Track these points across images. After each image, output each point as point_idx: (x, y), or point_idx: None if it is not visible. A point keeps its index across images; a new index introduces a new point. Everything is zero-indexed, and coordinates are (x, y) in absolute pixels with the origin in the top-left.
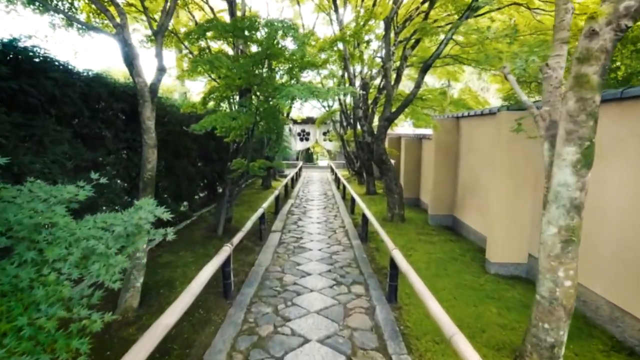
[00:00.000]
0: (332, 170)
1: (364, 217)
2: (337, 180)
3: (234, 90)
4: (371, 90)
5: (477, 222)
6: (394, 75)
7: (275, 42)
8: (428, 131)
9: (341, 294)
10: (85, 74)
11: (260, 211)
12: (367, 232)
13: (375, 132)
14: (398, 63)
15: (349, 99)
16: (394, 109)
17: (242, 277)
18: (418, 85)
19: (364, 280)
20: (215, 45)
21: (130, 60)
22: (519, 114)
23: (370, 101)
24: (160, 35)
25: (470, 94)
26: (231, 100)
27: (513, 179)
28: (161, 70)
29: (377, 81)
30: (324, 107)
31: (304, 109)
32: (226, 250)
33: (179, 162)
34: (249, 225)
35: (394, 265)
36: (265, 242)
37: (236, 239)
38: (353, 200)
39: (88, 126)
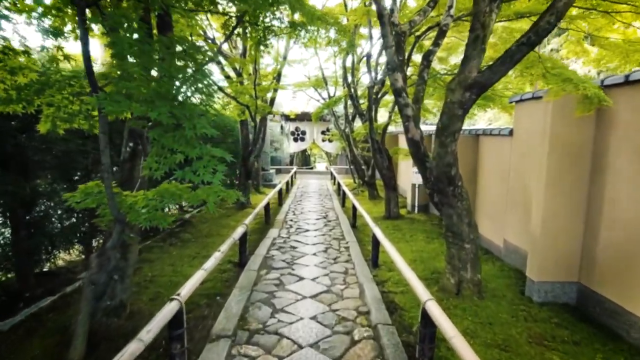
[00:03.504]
0: (333, 177)
1: (425, 317)
2: (339, 191)
3: None
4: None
5: None
6: None
7: None
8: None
9: None
10: None
11: (169, 310)
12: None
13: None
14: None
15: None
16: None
17: None
18: None
19: None
20: None
21: None
22: None
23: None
24: None
25: (552, 63)
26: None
27: None
28: None
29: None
30: (323, 98)
31: (298, 101)
32: None
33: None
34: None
35: None
36: None
37: None
38: (375, 241)
39: None
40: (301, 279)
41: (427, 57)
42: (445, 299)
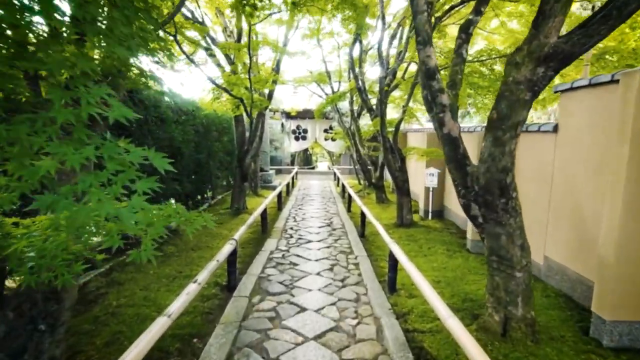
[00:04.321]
0: (336, 178)
1: None
2: (344, 194)
3: None
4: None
5: None
6: None
7: None
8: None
9: None
10: None
11: None
12: None
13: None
14: None
15: (371, 73)
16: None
17: None
18: None
19: None
20: None
21: None
22: None
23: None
24: None
25: None
26: None
27: None
28: None
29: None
30: (326, 94)
31: (299, 97)
32: None
33: None
34: None
35: None
36: None
37: None
38: (393, 260)
39: None
40: (302, 309)
41: (467, 29)
42: (489, 344)
